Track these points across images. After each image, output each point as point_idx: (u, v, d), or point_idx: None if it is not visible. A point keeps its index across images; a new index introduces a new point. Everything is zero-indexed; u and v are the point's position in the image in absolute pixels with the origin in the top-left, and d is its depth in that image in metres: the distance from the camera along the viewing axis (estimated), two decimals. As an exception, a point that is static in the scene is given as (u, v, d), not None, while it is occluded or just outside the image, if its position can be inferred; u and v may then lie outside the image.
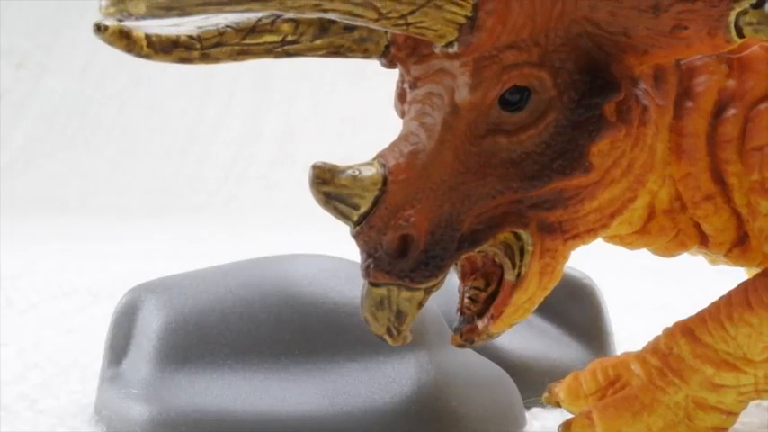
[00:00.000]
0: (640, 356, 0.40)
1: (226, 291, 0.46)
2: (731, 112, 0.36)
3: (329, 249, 0.55)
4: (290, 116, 2.00)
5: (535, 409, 0.50)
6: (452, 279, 0.52)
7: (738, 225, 0.38)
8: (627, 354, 0.41)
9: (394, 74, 0.36)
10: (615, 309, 0.65)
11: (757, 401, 0.51)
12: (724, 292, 0.40)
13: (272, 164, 1.90)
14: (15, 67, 2.18)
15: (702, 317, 0.39)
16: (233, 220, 1.62)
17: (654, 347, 0.40)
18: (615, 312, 0.64)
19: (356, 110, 1.95)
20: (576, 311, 0.53)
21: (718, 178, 0.37)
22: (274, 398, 0.42)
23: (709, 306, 0.39)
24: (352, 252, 0.59)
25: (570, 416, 0.41)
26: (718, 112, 0.37)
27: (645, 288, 0.81)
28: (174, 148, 1.96)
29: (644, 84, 0.35)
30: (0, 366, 0.60)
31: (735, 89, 0.37)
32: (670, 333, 0.39)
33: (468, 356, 0.48)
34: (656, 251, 0.40)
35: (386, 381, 0.43)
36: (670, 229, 0.39)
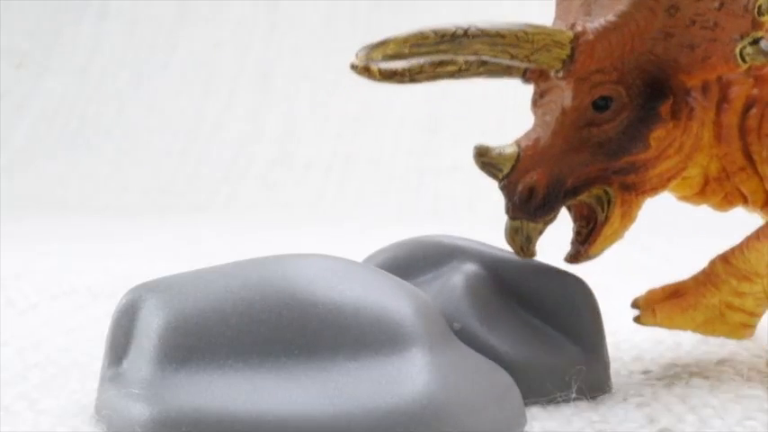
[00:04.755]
0: (693, 276, 0.56)
1: (226, 291, 0.46)
2: (753, 111, 0.53)
3: (329, 249, 0.55)
4: (290, 116, 2.00)
5: (535, 410, 0.50)
6: (451, 280, 0.52)
7: (766, 188, 0.54)
8: (689, 277, 0.57)
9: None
10: (615, 309, 0.65)
11: (760, 408, 0.51)
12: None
13: (272, 164, 1.90)
14: (15, 67, 2.18)
15: (733, 248, 0.54)
16: (233, 220, 1.62)
17: (702, 269, 0.56)
18: (615, 312, 0.64)
19: (356, 109, 1.95)
20: (574, 316, 0.53)
21: (748, 155, 0.53)
22: (275, 398, 0.42)
23: (740, 241, 0.54)
24: (352, 252, 0.59)
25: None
26: (745, 110, 0.53)
27: (645, 288, 0.81)
28: (174, 148, 1.96)
29: (694, 92, 0.52)
30: (0, 366, 0.60)
31: (757, 95, 0.53)
32: (712, 260, 0.55)
33: (469, 356, 0.48)
34: (713, 207, 0.57)
35: (386, 381, 0.43)
36: (719, 191, 0.55)
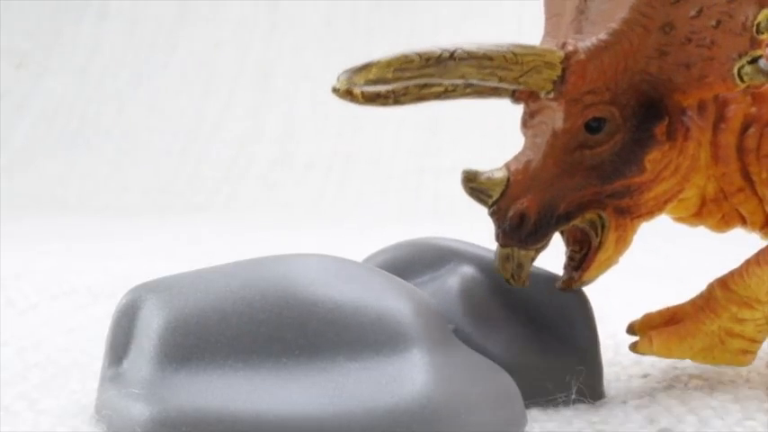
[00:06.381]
0: (691, 301, 0.53)
1: (226, 290, 0.46)
2: (752, 130, 0.51)
3: (329, 249, 0.55)
4: (290, 116, 2.00)
5: (534, 411, 0.50)
6: (447, 282, 0.52)
7: (765, 209, 0.52)
8: (686, 301, 0.54)
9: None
10: (615, 309, 0.65)
11: (759, 408, 0.51)
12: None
13: (272, 164, 1.90)
14: (15, 67, 2.18)
15: (732, 272, 0.52)
16: (233, 220, 1.62)
17: (700, 294, 0.53)
18: (615, 312, 0.64)
19: (356, 109, 1.95)
20: (569, 323, 0.53)
21: (746, 176, 0.51)
22: (274, 398, 0.42)
23: (739, 265, 0.52)
24: (352, 252, 0.59)
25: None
26: (744, 130, 0.51)
27: (645, 288, 0.81)
28: (174, 148, 1.96)
29: (690, 112, 0.50)
30: (0, 366, 0.60)
31: (755, 114, 0.51)
32: (710, 285, 0.53)
33: (469, 356, 0.48)
34: (710, 229, 0.55)
35: (386, 381, 0.43)
36: (717, 212, 0.53)
